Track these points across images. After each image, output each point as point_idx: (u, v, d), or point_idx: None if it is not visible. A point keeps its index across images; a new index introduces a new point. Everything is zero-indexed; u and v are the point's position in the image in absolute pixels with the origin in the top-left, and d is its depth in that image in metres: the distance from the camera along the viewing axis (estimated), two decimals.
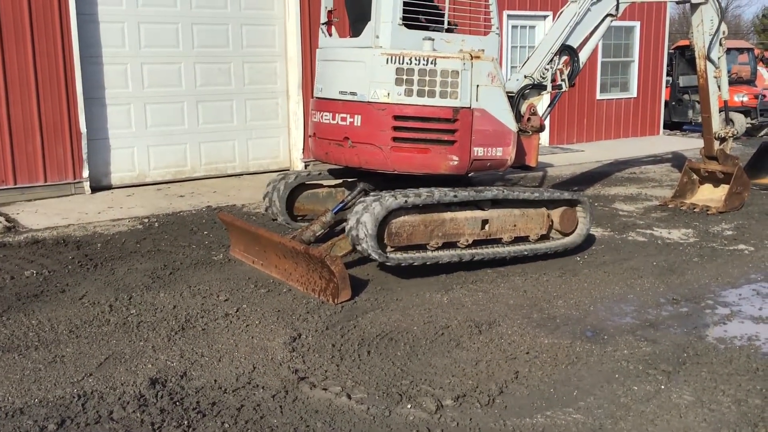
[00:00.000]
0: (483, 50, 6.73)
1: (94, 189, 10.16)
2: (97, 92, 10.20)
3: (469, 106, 6.51)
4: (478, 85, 6.54)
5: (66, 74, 9.72)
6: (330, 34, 7.28)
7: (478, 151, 6.65)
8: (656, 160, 13.99)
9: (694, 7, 9.27)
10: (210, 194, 10.17)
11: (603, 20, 8.19)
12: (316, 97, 7.11)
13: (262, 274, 6.56)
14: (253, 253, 6.82)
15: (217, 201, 9.70)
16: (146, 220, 8.57)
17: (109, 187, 10.41)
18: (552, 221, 7.09)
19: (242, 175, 11.62)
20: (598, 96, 15.98)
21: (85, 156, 9.96)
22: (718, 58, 9.45)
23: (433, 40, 6.51)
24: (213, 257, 7.14)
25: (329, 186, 7.80)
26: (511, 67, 14.15)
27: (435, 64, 6.36)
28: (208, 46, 11.08)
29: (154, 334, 5.18)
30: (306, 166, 11.71)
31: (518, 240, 6.92)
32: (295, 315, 5.59)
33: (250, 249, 6.87)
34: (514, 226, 6.84)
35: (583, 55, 8.05)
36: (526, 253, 6.85)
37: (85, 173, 10.01)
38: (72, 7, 9.62)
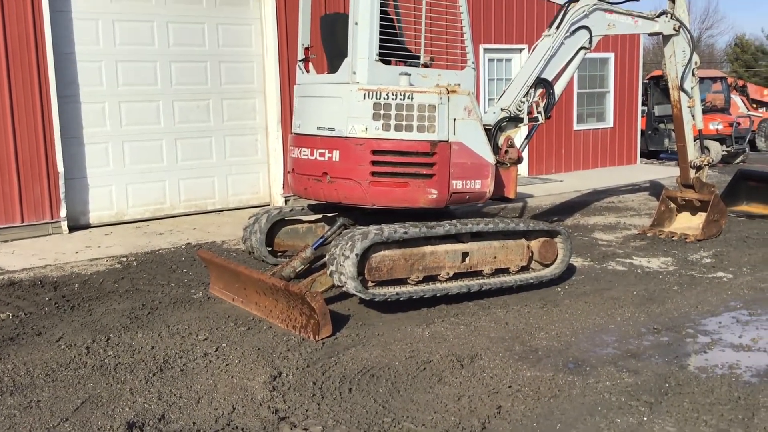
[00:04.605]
0: (459, 84, 6.80)
1: (72, 228, 10.08)
2: (74, 131, 10.16)
3: (446, 139, 6.55)
4: (455, 119, 6.58)
5: (43, 113, 9.67)
6: (307, 71, 7.32)
7: (457, 184, 6.67)
8: (634, 188, 14.13)
9: (666, 38, 9.44)
10: (190, 231, 10.10)
11: (577, 53, 8.29)
12: (295, 133, 7.12)
13: (242, 312, 6.49)
14: (233, 291, 6.76)
15: (197, 238, 9.64)
16: (124, 259, 8.49)
17: (87, 226, 10.32)
18: (532, 252, 7.10)
19: (222, 211, 11.58)
20: (575, 126, 16.16)
21: (62, 195, 9.88)
22: (691, 88, 9.61)
23: (409, 75, 6.56)
24: (192, 295, 7.07)
25: (309, 221, 7.79)
26: (489, 99, 14.30)
27: (412, 98, 6.41)
28: (186, 83, 11.10)
29: (132, 376, 5.10)
30: (286, 202, 11.69)
31: (499, 272, 6.93)
32: (275, 353, 5.53)
33: (229, 286, 6.82)
34: (495, 258, 6.84)
35: (559, 88, 8.16)
36: (507, 284, 6.85)
37: (63, 213, 9.92)
38: (49, 46, 9.62)
